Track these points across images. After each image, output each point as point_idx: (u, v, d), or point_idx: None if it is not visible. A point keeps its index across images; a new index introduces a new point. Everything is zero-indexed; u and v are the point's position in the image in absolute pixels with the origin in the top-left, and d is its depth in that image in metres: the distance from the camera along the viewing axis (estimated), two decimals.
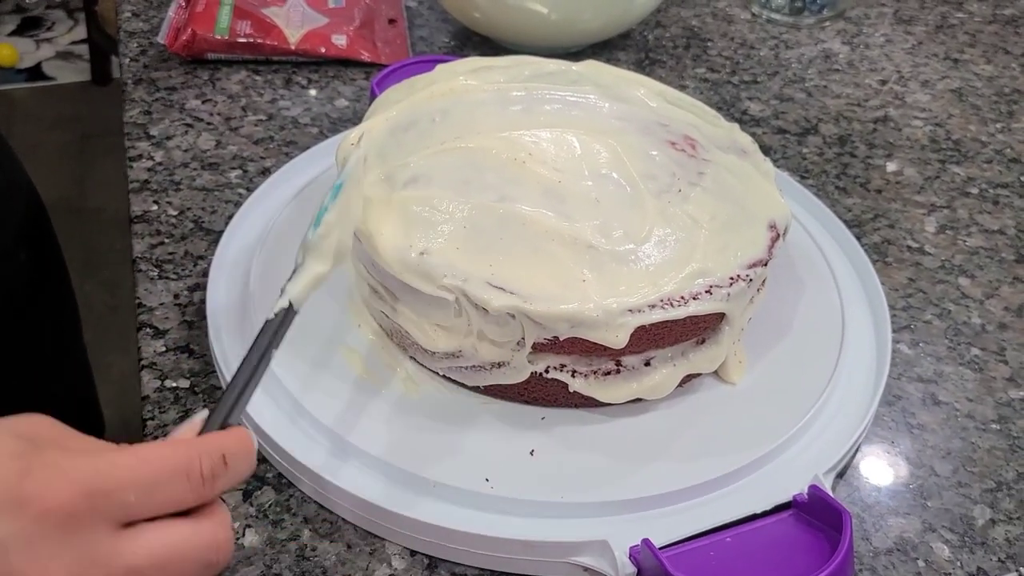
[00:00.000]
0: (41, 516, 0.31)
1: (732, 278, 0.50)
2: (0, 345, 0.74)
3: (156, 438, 0.52)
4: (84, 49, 2.42)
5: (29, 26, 2.59)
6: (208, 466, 0.35)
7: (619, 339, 0.47)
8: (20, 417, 0.34)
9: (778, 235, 0.54)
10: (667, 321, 0.48)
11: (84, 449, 0.34)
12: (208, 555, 0.34)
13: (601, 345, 0.47)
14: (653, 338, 0.49)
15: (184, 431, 0.37)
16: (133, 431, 0.51)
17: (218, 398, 0.39)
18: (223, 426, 0.38)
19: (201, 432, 0.37)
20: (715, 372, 0.55)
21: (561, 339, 0.48)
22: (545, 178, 0.53)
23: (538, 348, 0.49)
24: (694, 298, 0.49)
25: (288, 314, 0.42)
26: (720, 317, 0.51)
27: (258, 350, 0.40)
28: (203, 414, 0.38)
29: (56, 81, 2.42)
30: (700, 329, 0.51)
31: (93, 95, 2.37)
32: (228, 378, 0.52)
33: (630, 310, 0.47)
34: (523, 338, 0.48)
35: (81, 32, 2.47)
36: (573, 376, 0.50)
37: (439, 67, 0.62)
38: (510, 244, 0.49)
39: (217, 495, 0.36)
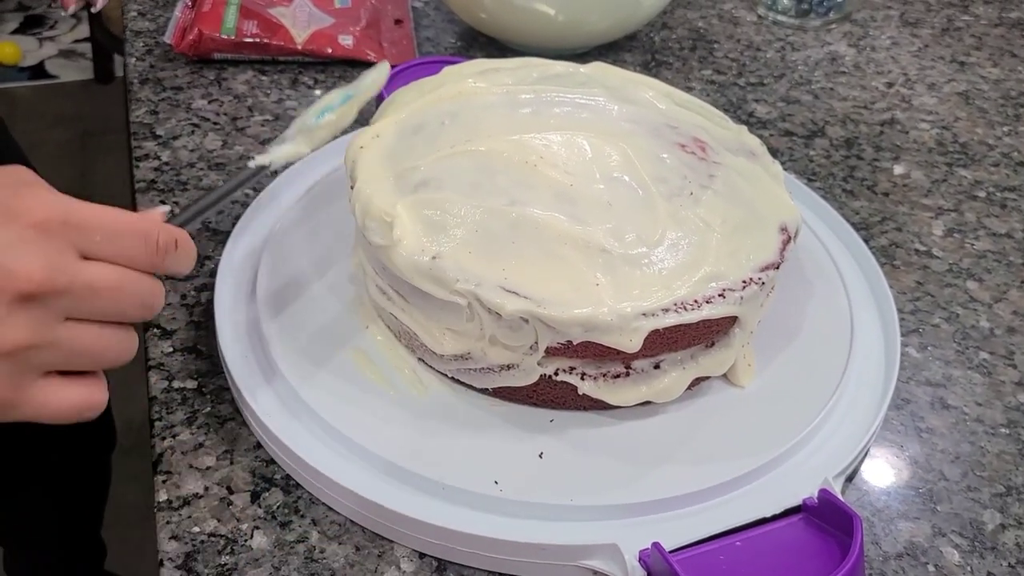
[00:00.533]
0: (27, 226, 0.37)
1: (744, 281, 0.50)
2: None
3: (164, 439, 0.51)
4: (87, 47, 2.42)
5: (32, 24, 2.59)
6: (164, 241, 0.40)
7: (633, 343, 0.47)
8: (4, 168, 0.40)
9: (789, 238, 0.53)
10: (680, 325, 0.48)
11: (61, 194, 0.39)
12: (149, 297, 0.41)
13: (614, 349, 0.47)
14: (666, 342, 0.49)
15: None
16: (141, 432, 0.51)
17: (181, 209, 0.45)
18: None
19: None
20: (724, 375, 0.54)
21: (574, 343, 0.48)
22: (556, 181, 0.52)
23: (550, 352, 0.49)
24: (707, 302, 0.48)
25: (261, 171, 0.50)
26: (731, 320, 0.51)
27: (228, 188, 0.48)
28: (164, 209, 0.43)
29: (58, 79, 2.42)
30: (712, 332, 0.51)
31: (95, 93, 2.37)
32: (235, 378, 0.52)
33: (644, 314, 0.47)
34: (536, 342, 0.48)
35: (84, 31, 2.47)
36: (582, 379, 0.50)
37: (446, 69, 0.62)
38: (522, 248, 0.49)
39: (161, 270, 0.41)
